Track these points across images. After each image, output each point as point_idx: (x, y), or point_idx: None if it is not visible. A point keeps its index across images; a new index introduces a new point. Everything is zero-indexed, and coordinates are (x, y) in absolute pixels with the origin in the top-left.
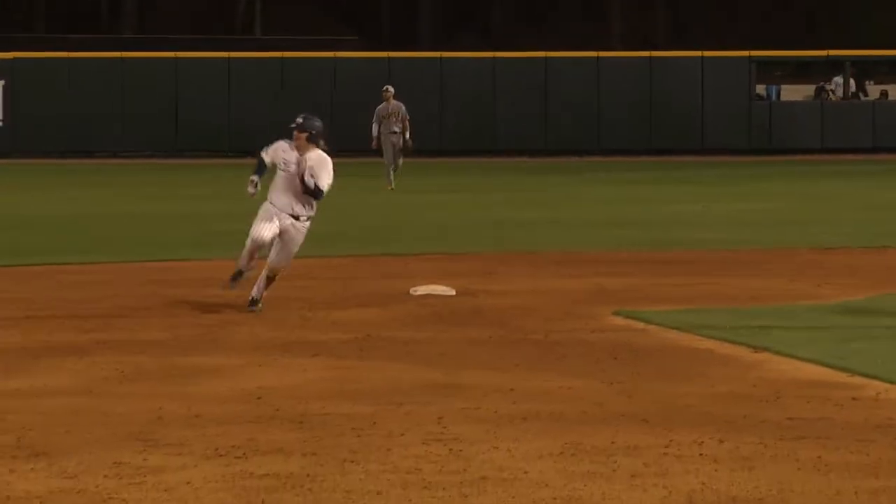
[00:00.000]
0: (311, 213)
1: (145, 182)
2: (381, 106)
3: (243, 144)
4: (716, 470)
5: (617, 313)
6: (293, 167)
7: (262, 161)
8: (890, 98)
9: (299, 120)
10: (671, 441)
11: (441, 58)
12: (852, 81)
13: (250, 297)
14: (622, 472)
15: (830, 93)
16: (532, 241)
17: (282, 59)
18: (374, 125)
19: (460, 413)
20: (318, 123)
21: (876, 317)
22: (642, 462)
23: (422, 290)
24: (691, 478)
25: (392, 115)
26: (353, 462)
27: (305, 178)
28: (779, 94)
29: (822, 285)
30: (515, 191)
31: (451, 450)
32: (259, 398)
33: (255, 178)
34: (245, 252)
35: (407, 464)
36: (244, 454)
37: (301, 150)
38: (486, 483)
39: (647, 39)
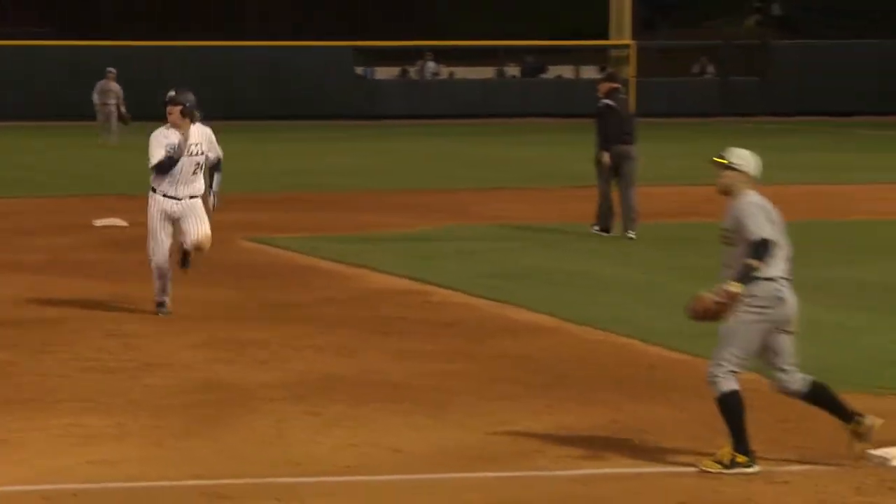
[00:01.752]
0: (203, 185)
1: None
2: (101, 82)
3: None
4: (321, 356)
5: (247, 239)
6: (184, 149)
7: (167, 159)
8: (457, 77)
9: (172, 93)
10: (290, 335)
11: (119, 46)
12: (432, 64)
13: (157, 301)
14: (251, 359)
15: (414, 72)
16: None
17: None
18: (94, 94)
19: (131, 315)
20: (191, 96)
21: (447, 241)
22: (268, 352)
23: (102, 222)
24: (302, 363)
25: (110, 91)
26: (45, 353)
27: (214, 205)
28: (373, 74)
29: (410, 218)
30: None
31: (124, 343)
32: None
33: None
34: (155, 280)
35: (89, 353)
36: None
37: (179, 127)
38: (151, 368)
39: (278, 32)
